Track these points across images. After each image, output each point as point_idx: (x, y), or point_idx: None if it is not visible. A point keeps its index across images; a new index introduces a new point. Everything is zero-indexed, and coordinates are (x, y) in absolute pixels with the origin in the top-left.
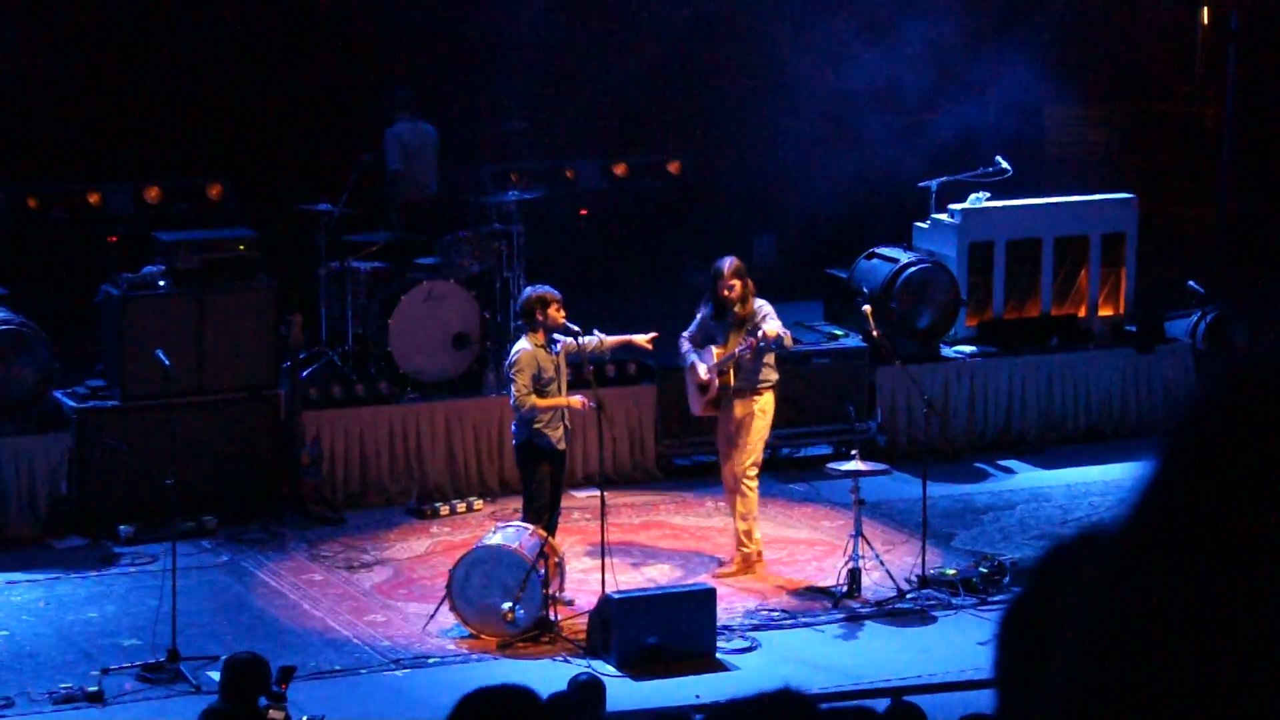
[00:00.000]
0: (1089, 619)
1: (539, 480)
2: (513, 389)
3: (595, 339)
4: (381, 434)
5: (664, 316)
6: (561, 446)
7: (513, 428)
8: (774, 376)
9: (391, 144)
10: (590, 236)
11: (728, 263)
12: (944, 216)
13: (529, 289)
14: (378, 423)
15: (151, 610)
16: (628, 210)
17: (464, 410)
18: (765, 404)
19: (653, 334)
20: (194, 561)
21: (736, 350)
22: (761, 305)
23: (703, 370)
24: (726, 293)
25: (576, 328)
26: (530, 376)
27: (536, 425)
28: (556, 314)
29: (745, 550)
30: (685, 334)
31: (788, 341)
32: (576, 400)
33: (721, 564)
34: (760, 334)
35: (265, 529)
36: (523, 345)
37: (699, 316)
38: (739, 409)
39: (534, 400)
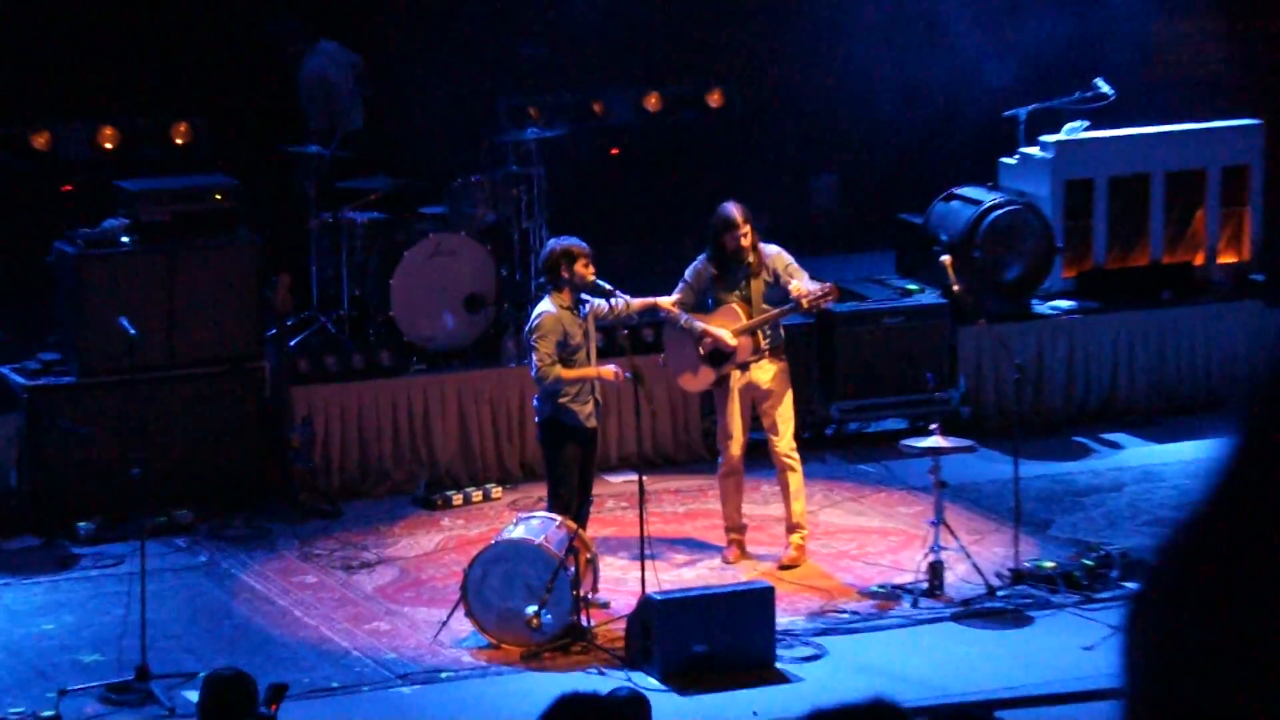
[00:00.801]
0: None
1: (566, 463)
2: (534, 358)
3: (622, 300)
4: (383, 412)
5: None
6: (592, 424)
7: (535, 403)
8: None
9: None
10: (622, 180)
11: (736, 208)
12: (1035, 150)
13: (552, 241)
14: (379, 399)
15: (117, 620)
16: (665, 149)
17: (479, 383)
18: (785, 366)
19: (679, 296)
20: (166, 563)
21: (811, 296)
22: (771, 249)
23: (727, 335)
24: (743, 241)
25: (608, 286)
26: (555, 343)
27: (562, 400)
28: (585, 270)
29: (804, 534)
30: (673, 297)
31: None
32: (609, 370)
33: (743, 562)
34: (827, 288)
35: (249, 524)
36: (545, 307)
37: (689, 276)
38: (763, 376)
39: (559, 371)
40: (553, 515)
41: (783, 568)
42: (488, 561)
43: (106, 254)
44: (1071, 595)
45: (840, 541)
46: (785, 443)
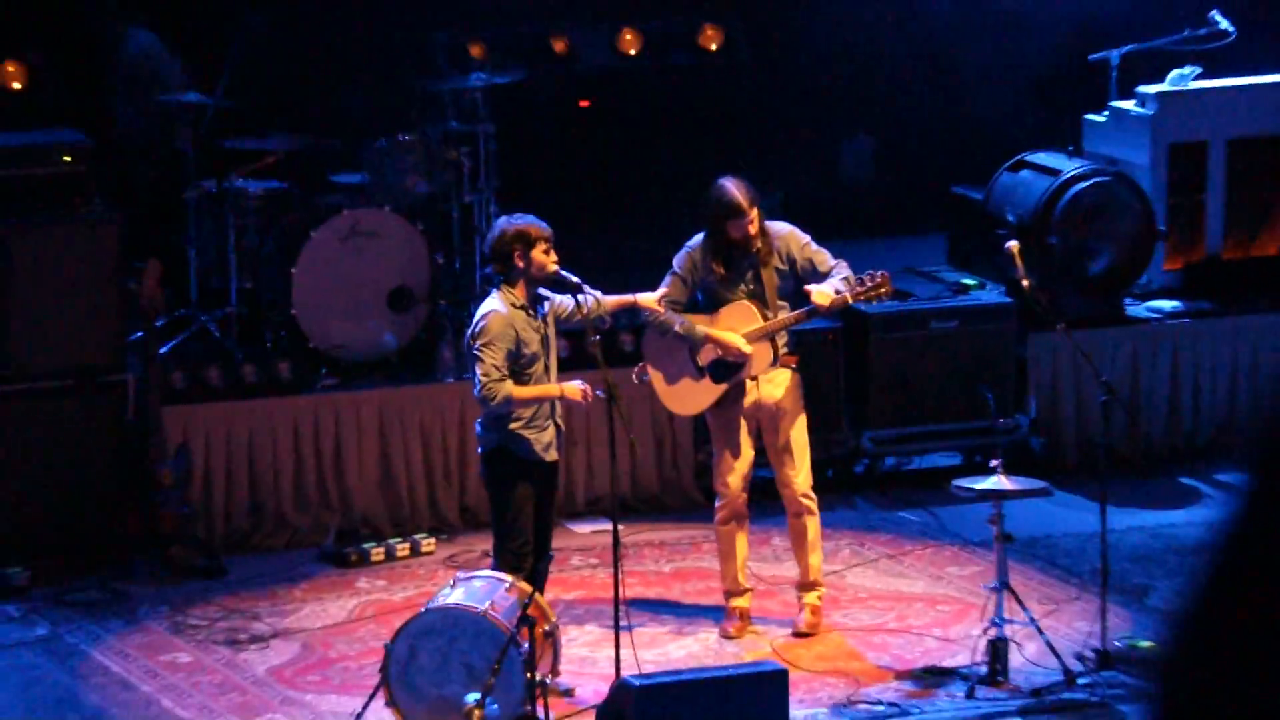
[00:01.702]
0: None
1: (518, 507)
2: (478, 370)
3: (592, 298)
4: (282, 440)
5: None
6: (551, 456)
7: (478, 429)
8: None
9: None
10: (593, 141)
11: (739, 188)
12: (1130, 104)
13: (503, 221)
14: (276, 423)
15: None
16: (647, 101)
17: (406, 403)
18: (799, 379)
19: (667, 291)
20: None
21: (855, 289)
22: (781, 227)
23: (740, 341)
24: (749, 229)
25: (574, 279)
26: (505, 352)
27: (514, 425)
28: (544, 258)
29: (821, 594)
30: (658, 293)
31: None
32: (574, 388)
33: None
34: (877, 279)
35: (104, 586)
36: (494, 305)
37: (680, 266)
38: (774, 392)
39: (510, 388)
40: (501, 575)
41: (797, 635)
42: (416, 635)
43: None
44: None
45: (874, 611)
46: (803, 478)
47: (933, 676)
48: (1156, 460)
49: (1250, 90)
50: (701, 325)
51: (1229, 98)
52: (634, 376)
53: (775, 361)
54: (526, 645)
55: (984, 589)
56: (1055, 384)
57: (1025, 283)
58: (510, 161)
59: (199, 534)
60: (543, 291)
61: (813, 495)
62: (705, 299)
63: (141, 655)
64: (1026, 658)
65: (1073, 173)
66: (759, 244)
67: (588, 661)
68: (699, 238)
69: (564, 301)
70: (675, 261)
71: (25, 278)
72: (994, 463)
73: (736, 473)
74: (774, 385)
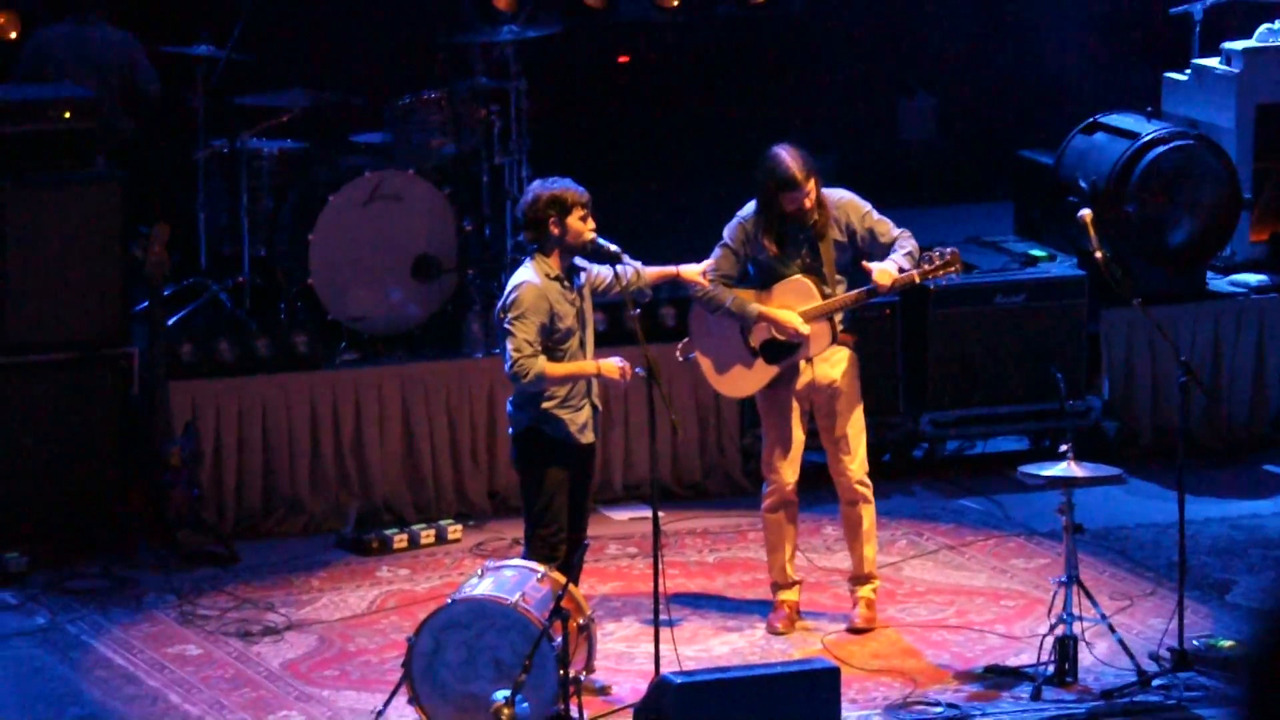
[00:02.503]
0: None
1: (551, 493)
2: (509, 346)
3: (632, 269)
4: (298, 419)
5: None
6: (587, 438)
7: (509, 409)
8: None
9: None
10: (632, 99)
11: (794, 159)
12: (1213, 62)
13: (537, 185)
14: (292, 401)
15: None
16: (692, 58)
17: (431, 380)
18: (855, 358)
19: (716, 264)
20: None
21: (922, 267)
22: (840, 194)
23: (796, 319)
24: (805, 202)
25: (613, 248)
26: (538, 326)
27: (547, 405)
28: (581, 226)
29: (875, 587)
30: (707, 268)
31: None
32: (612, 365)
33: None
34: (947, 256)
35: (107, 572)
36: (526, 275)
37: (730, 236)
38: (831, 371)
39: (543, 365)
40: (533, 565)
41: (851, 631)
42: (442, 628)
43: None
44: None
45: (932, 605)
46: (858, 465)
47: (995, 676)
48: (1238, 446)
49: None
50: (754, 303)
51: None
52: (678, 355)
53: (833, 341)
54: (560, 640)
55: (1052, 583)
56: (1130, 364)
57: (1099, 254)
58: (544, 121)
59: (209, 518)
60: (579, 261)
61: (868, 482)
62: (758, 273)
63: (147, 647)
64: (1097, 657)
65: (1151, 136)
66: (815, 216)
67: (625, 658)
68: (751, 207)
69: (602, 272)
70: (725, 232)
71: (22, 243)
72: (1063, 447)
73: (787, 459)
74: (830, 365)
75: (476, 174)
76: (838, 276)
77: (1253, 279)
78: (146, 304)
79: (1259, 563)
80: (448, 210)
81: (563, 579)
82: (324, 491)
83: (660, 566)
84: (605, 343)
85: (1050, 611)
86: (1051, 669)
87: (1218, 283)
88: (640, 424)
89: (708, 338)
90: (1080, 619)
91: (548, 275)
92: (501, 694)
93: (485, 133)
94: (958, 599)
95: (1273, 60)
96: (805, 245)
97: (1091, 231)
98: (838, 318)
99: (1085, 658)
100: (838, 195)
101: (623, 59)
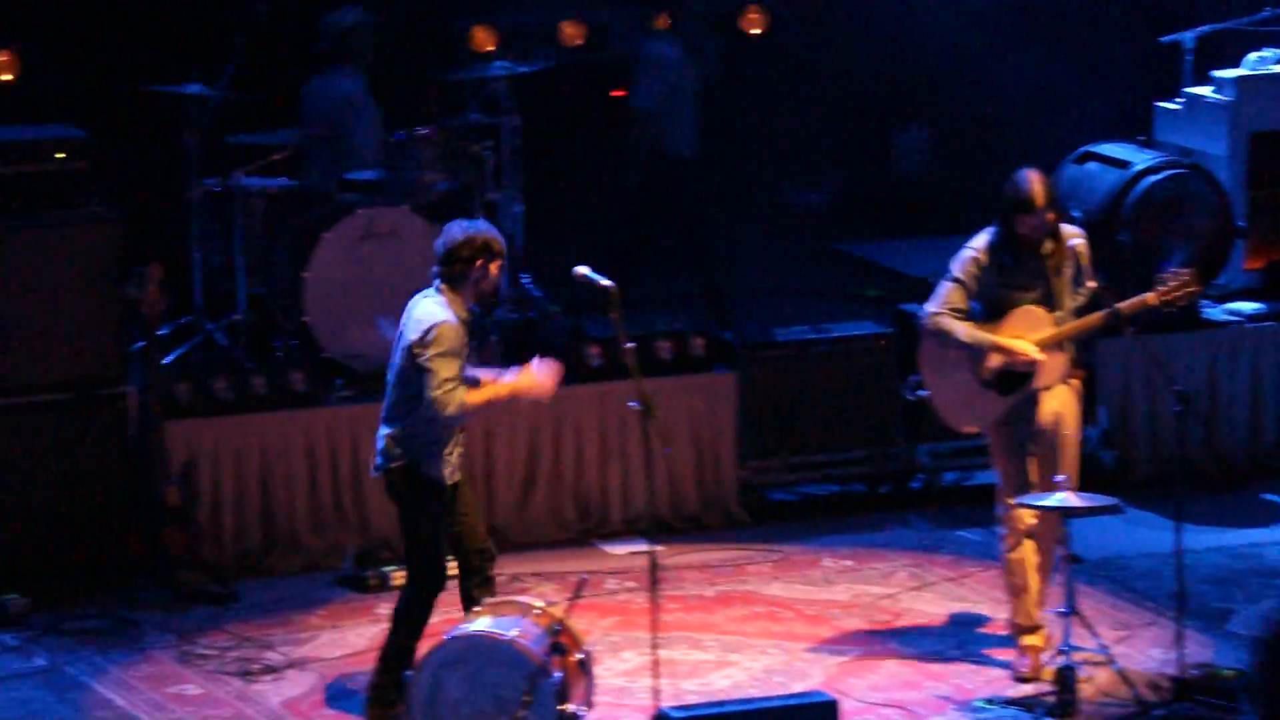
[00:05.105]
0: None
1: (432, 521)
2: (431, 381)
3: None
4: (295, 457)
5: (748, 264)
6: (456, 478)
7: (380, 442)
8: None
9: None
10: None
11: (1038, 181)
12: (1206, 90)
13: (465, 224)
14: (289, 439)
15: None
16: None
17: None
18: (1079, 388)
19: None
20: None
21: (1159, 291)
22: (1074, 232)
23: (1030, 348)
24: (1042, 229)
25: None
26: (459, 363)
27: (429, 444)
28: (497, 276)
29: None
30: (935, 306)
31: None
32: (527, 380)
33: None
34: (1184, 277)
35: (106, 613)
36: (443, 314)
37: (961, 269)
38: (1053, 405)
39: (464, 395)
40: (529, 601)
41: (1022, 680)
42: (441, 665)
43: None
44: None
45: (932, 637)
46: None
47: (995, 708)
48: (1236, 475)
49: None
50: (983, 333)
51: None
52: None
53: (1068, 373)
54: (559, 675)
55: (1051, 614)
56: (1126, 393)
57: (1092, 284)
58: (536, 157)
59: (207, 557)
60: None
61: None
62: (986, 306)
63: (147, 687)
64: (1098, 687)
65: (1144, 165)
66: (1050, 245)
67: (625, 692)
68: (982, 238)
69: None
70: (953, 265)
71: (17, 282)
72: (1060, 478)
73: (1011, 489)
74: (1055, 399)
75: (470, 210)
76: (1068, 305)
77: (1248, 307)
78: (142, 343)
79: (1257, 590)
80: None
81: (558, 614)
82: (322, 529)
83: (657, 600)
84: (600, 378)
85: (1050, 643)
86: (1052, 700)
87: (1213, 311)
88: (637, 459)
89: (938, 371)
90: (1080, 649)
91: (459, 316)
92: None
93: (478, 169)
94: (958, 630)
95: (1265, 88)
96: (1039, 274)
97: (1084, 261)
98: (1070, 350)
99: (1086, 688)
100: (1074, 231)
101: (616, 93)
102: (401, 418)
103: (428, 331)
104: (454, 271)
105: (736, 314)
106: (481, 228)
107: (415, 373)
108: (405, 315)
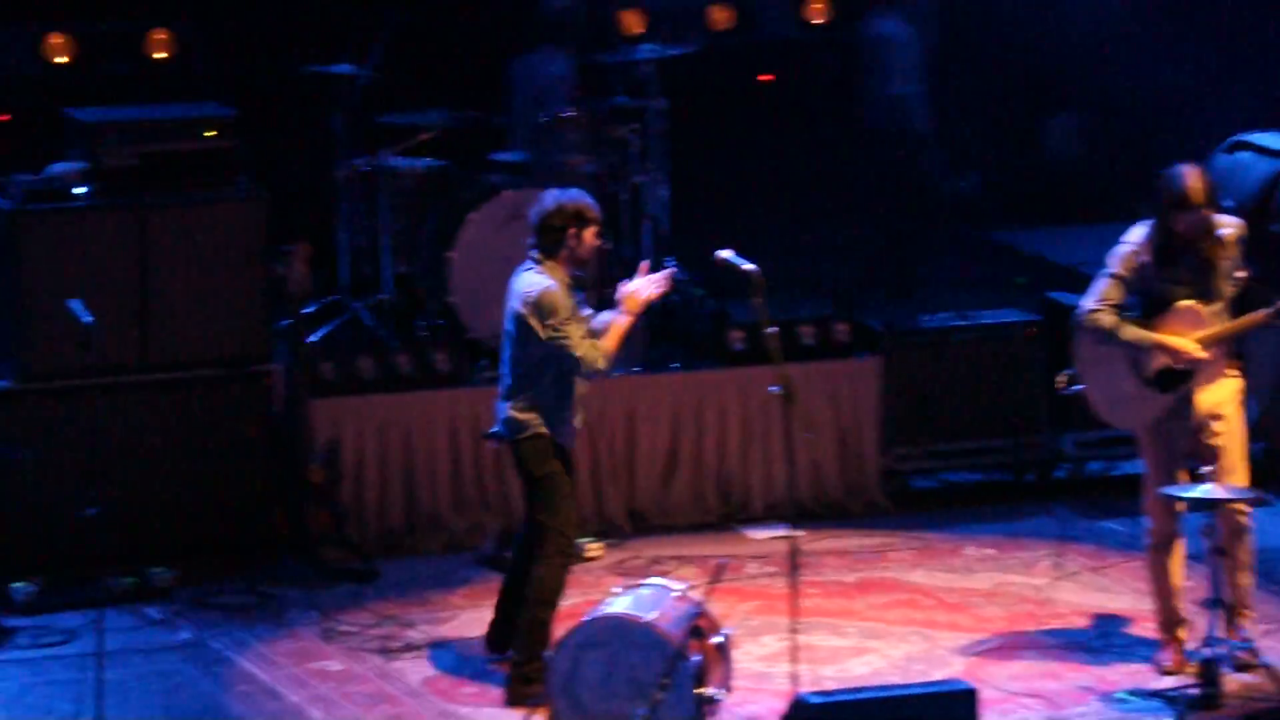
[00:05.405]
0: None
1: (564, 490)
2: (571, 346)
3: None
4: (439, 436)
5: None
6: (573, 444)
7: (502, 413)
8: None
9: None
10: (775, 118)
11: (1194, 177)
12: None
13: (557, 194)
14: (433, 418)
15: None
16: (834, 75)
17: None
18: (1242, 383)
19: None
20: (134, 641)
21: None
22: (1230, 222)
23: (1191, 346)
24: (1200, 226)
25: (747, 266)
26: (583, 322)
27: (555, 409)
28: (593, 242)
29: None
30: (1093, 301)
31: None
32: (635, 295)
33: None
34: None
35: (251, 588)
36: (545, 281)
37: (1117, 263)
38: (1215, 398)
39: (605, 347)
40: (669, 583)
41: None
42: (580, 646)
43: (54, 210)
44: None
45: (1074, 627)
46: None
47: (1138, 700)
48: None
49: None
50: (1140, 330)
51: None
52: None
53: (1224, 369)
54: (698, 658)
55: (1196, 606)
56: (1277, 384)
57: (1243, 274)
58: (683, 140)
59: (350, 535)
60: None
61: (1248, 510)
62: (1144, 303)
63: (289, 663)
64: (1244, 683)
65: None
66: (1208, 241)
67: (763, 677)
68: (1140, 231)
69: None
70: (1110, 261)
71: (166, 261)
72: (1206, 469)
73: (1162, 481)
74: (1215, 393)
75: (615, 193)
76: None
77: None
78: (288, 322)
79: None
80: None
81: (699, 598)
82: (464, 508)
83: (797, 585)
84: (742, 363)
85: (1195, 635)
86: (1197, 692)
87: None
88: (778, 444)
89: (1094, 368)
90: (1227, 643)
91: (563, 282)
92: (640, 712)
93: (623, 152)
94: (1100, 621)
95: None
96: (1196, 269)
97: (1235, 251)
98: (1230, 347)
99: (1231, 682)
100: (1229, 222)
101: (764, 77)
102: (525, 389)
103: (538, 304)
104: (548, 241)
105: (882, 301)
106: (573, 195)
107: (535, 345)
108: (509, 293)
